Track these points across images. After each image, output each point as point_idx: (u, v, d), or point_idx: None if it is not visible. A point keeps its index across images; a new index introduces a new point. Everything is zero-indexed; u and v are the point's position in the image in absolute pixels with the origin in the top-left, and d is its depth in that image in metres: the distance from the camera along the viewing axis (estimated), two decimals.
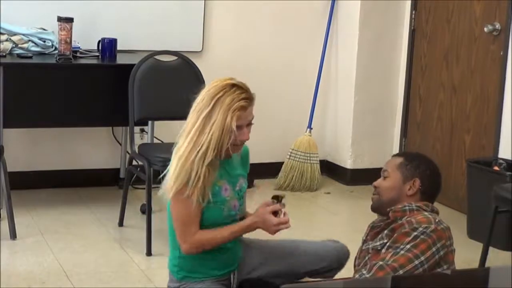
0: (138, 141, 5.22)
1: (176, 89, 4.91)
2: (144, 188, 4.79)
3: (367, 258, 3.09)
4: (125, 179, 4.96)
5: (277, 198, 3.23)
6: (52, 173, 5.51)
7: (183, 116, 4.89)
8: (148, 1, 5.54)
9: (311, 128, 5.98)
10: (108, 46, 5.23)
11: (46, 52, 5.17)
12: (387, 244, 3.00)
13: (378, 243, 3.04)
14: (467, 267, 4.16)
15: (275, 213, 3.19)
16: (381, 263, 2.94)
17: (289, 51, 6.02)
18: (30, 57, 5.07)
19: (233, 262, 3.31)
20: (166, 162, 4.42)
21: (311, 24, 6.05)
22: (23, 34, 5.13)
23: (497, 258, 4.65)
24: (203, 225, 3.18)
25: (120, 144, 5.57)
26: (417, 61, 5.94)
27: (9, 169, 4.68)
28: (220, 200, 3.19)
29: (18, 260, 4.36)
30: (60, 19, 5.06)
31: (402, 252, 2.93)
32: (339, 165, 6.13)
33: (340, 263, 3.40)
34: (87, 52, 5.27)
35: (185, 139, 3.14)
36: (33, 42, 5.14)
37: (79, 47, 5.25)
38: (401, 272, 2.90)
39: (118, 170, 5.62)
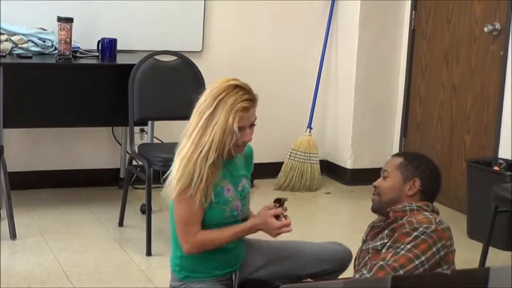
0: (138, 141, 5.23)
1: (176, 89, 4.92)
2: (144, 188, 4.79)
3: (367, 258, 3.08)
4: (125, 179, 4.97)
5: (279, 202, 3.22)
6: (52, 173, 5.51)
7: (183, 116, 4.90)
8: (148, 1, 5.54)
9: (311, 128, 5.99)
10: (108, 46, 5.23)
11: (46, 52, 5.17)
12: (388, 244, 3.00)
13: (378, 243, 3.04)
14: (467, 267, 4.16)
15: (277, 216, 3.19)
16: (381, 263, 2.93)
17: (289, 51, 6.02)
18: (30, 57, 5.07)
19: (235, 262, 3.31)
20: (166, 162, 4.45)
21: (311, 24, 6.05)
22: (23, 34, 5.13)
23: (497, 258, 4.65)
24: (205, 225, 3.18)
25: (120, 144, 5.57)
26: (417, 61, 5.94)
27: (9, 169, 4.68)
28: (223, 200, 3.19)
29: (18, 260, 4.36)
30: (60, 19, 5.06)
31: (402, 252, 2.93)
32: (339, 165, 6.13)
33: (342, 266, 3.40)
34: (87, 52, 5.27)
35: (188, 139, 3.13)
36: (33, 42, 5.14)
37: (79, 47, 5.25)
38: (401, 272, 2.90)
39: (118, 170, 5.62)
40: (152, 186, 4.63)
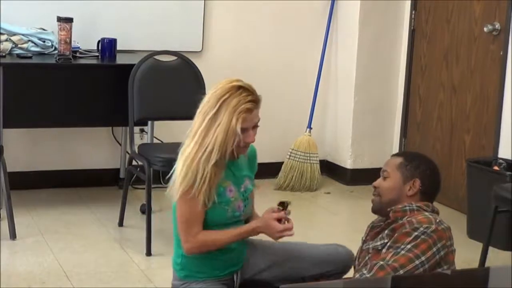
0: (138, 141, 5.23)
1: (176, 89, 4.92)
2: (144, 188, 4.79)
3: (367, 258, 3.08)
4: (125, 179, 4.97)
5: (283, 205, 3.22)
6: (52, 173, 5.51)
7: (182, 116, 4.92)
8: (148, 1, 5.54)
9: (311, 128, 5.99)
10: (108, 46, 5.23)
11: (46, 52, 5.17)
12: (388, 244, 3.00)
13: (378, 243, 3.04)
14: (467, 267, 4.16)
15: (279, 219, 3.19)
16: (381, 263, 2.93)
17: (289, 51, 6.02)
18: (30, 57, 5.07)
19: (237, 263, 3.31)
20: (165, 162, 4.46)
21: (311, 24, 6.05)
22: (23, 34, 5.13)
23: (497, 258, 4.65)
24: (206, 226, 3.18)
25: (120, 144, 5.57)
26: (417, 61, 5.94)
27: (9, 169, 4.68)
28: (225, 200, 3.19)
29: (18, 260, 4.36)
30: (59, 19, 5.06)
31: (402, 252, 2.93)
32: (339, 165, 6.13)
33: (345, 268, 3.39)
34: (86, 52, 5.27)
35: (191, 140, 3.14)
36: (32, 42, 5.14)
37: (78, 47, 5.25)
38: (401, 272, 2.90)
39: (118, 170, 5.62)
40: (152, 186, 4.63)
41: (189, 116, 4.87)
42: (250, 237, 3.33)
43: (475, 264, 4.41)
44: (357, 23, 5.90)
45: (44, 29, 5.22)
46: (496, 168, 4.98)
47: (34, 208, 5.12)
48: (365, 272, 2.96)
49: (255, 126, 3.19)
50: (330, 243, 3.49)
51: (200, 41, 5.73)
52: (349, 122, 6.02)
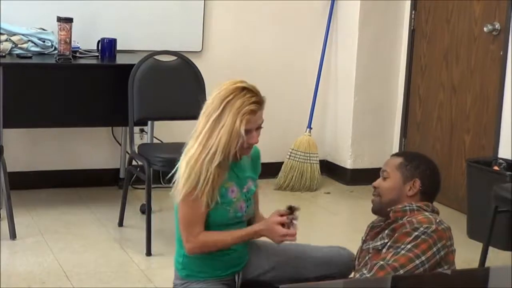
0: (137, 141, 5.23)
1: (176, 89, 4.92)
2: (144, 188, 4.79)
3: (367, 258, 3.08)
4: (125, 179, 4.96)
5: (291, 209, 3.21)
6: (52, 173, 5.51)
7: (182, 116, 4.93)
8: (148, 1, 5.54)
9: (311, 128, 5.99)
10: (108, 46, 5.23)
11: (46, 52, 5.17)
12: (388, 244, 3.00)
13: (379, 243, 3.04)
14: (467, 267, 4.16)
15: (283, 223, 3.18)
16: (381, 262, 2.93)
17: (289, 51, 6.02)
18: (30, 57, 5.07)
19: (238, 263, 3.30)
20: (165, 162, 4.46)
21: (311, 24, 6.05)
22: (23, 34, 5.13)
23: (497, 258, 4.65)
24: (208, 226, 3.18)
25: (120, 144, 5.57)
26: (416, 61, 5.94)
27: (9, 169, 4.68)
28: (227, 201, 3.19)
29: (18, 260, 4.36)
30: (59, 19, 5.06)
31: (403, 252, 2.93)
32: (339, 165, 6.13)
33: (348, 270, 3.38)
34: (86, 52, 5.27)
35: (195, 141, 3.13)
36: (32, 42, 5.14)
37: (78, 47, 5.25)
38: (401, 271, 2.90)
39: (118, 170, 5.62)
40: (152, 186, 4.63)
41: (189, 116, 4.87)
42: None
43: (475, 264, 4.41)
44: (357, 23, 5.90)
45: (44, 29, 5.22)
46: (496, 168, 4.98)
47: (34, 208, 5.12)
48: (365, 272, 2.96)
49: (259, 127, 3.19)
50: (333, 246, 3.48)
51: (200, 41, 5.73)
52: (349, 122, 6.02)
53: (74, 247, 4.57)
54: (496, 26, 5.26)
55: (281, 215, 3.18)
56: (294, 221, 3.18)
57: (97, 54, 5.26)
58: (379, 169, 3.19)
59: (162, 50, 5.04)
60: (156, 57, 4.93)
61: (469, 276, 2.89)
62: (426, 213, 3.04)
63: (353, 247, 3.35)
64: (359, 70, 5.96)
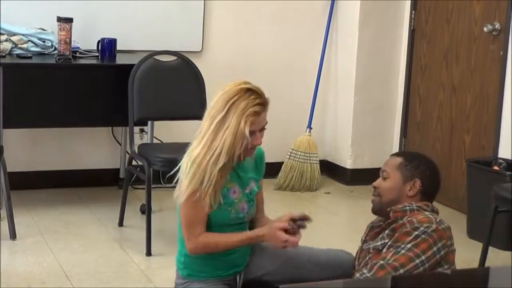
0: (137, 141, 5.23)
1: (176, 89, 4.92)
2: (144, 188, 4.78)
3: (368, 258, 3.08)
4: (125, 179, 4.96)
5: (305, 218, 3.19)
6: (52, 173, 5.51)
7: (182, 116, 4.93)
8: (148, 1, 5.54)
9: (311, 128, 5.98)
10: (108, 46, 5.23)
11: (46, 52, 5.17)
12: (388, 243, 3.00)
13: (379, 243, 3.04)
14: (467, 267, 4.16)
15: (286, 229, 3.17)
16: (382, 262, 2.94)
17: (289, 51, 6.02)
18: (30, 57, 5.07)
19: (240, 264, 3.30)
20: (165, 162, 4.46)
21: (311, 24, 6.05)
22: (23, 34, 5.13)
23: (497, 258, 4.65)
24: (210, 226, 3.17)
25: (120, 144, 5.57)
26: (416, 61, 5.94)
27: (9, 169, 4.68)
28: (228, 202, 3.18)
29: (18, 260, 4.36)
30: (59, 19, 5.06)
31: (403, 251, 2.93)
32: (339, 165, 6.13)
33: (350, 274, 3.38)
34: (86, 52, 5.27)
35: (199, 142, 3.13)
36: (32, 42, 5.14)
37: (78, 47, 5.25)
38: (401, 271, 2.90)
39: (118, 170, 5.62)
40: (152, 186, 4.63)
41: (189, 116, 4.90)
42: None
43: (475, 264, 4.41)
44: (357, 23, 5.90)
45: (44, 29, 5.22)
46: (496, 168, 4.98)
47: (34, 208, 5.12)
48: (365, 271, 2.96)
49: (262, 129, 3.19)
50: (336, 249, 3.47)
51: (200, 41, 5.73)
52: (349, 122, 6.02)
53: (74, 247, 4.56)
54: (496, 26, 5.26)
55: (293, 220, 3.17)
56: (301, 229, 3.17)
57: (97, 54, 5.26)
58: (379, 169, 3.19)
59: (162, 50, 5.04)
60: (156, 57, 4.93)
61: (469, 276, 2.90)
62: (426, 213, 3.05)
63: (353, 247, 3.35)
64: (359, 70, 5.96)
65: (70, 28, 5.06)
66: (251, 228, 3.34)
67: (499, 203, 4.32)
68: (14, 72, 4.94)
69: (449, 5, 5.64)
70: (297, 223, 3.15)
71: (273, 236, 3.15)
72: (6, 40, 5.09)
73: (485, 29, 5.30)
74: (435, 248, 2.94)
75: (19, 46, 5.11)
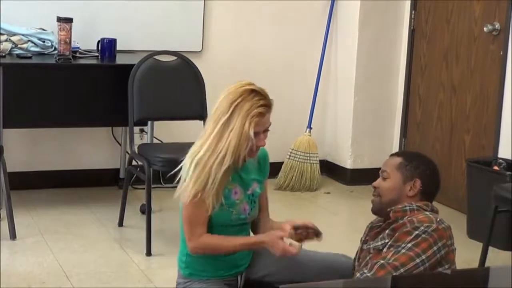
0: (137, 141, 5.23)
1: (175, 89, 4.92)
2: (143, 188, 4.79)
3: (368, 258, 3.08)
4: (124, 179, 4.96)
5: (316, 234, 3.20)
6: (52, 173, 5.51)
7: (182, 116, 4.94)
8: (148, 1, 5.54)
9: (311, 128, 5.98)
10: (108, 46, 5.23)
11: (46, 52, 5.17)
12: (389, 243, 3.00)
13: (379, 243, 3.04)
14: (467, 267, 4.16)
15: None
16: (382, 262, 2.94)
17: (289, 51, 6.02)
18: (30, 58, 5.07)
19: (242, 264, 3.30)
20: (165, 162, 4.46)
21: (311, 24, 6.05)
22: (23, 35, 5.13)
23: (497, 258, 4.65)
24: (211, 226, 3.17)
25: (120, 144, 5.57)
26: (416, 61, 5.94)
27: (9, 169, 4.68)
28: (229, 203, 3.18)
29: (18, 260, 4.36)
30: (59, 19, 5.06)
31: (403, 251, 2.93)
32: (339, 165, 6.13)
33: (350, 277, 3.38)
34: (86, 52, 5.27)
35: (204, 144, 3.12)
36: (32, 42, 5.14)
37: (78, 47, 5.25)
38: (402, 270, 2.90)
39: (118, 170, 5.62)
40: (152, 186, 4.63)
41: (189, 116, 4.89)
42: None
43: (475, 264, 4.41)
44: (357, 23, 5.90)
45: (44, 29, 5.22)
46: (496, 168, 4.98)
47: (34, 208, 5.12)
48: (365, 271, 2.96)
49: (266, 130, 3.19)
50: (335, 253, 3.48)
51: (200, 41, 5.73)
52: (349, 122, 6.02)
53: (74, 247, 4.57)
54: (496, 26, 5.26)
55: (296, 228, 3.17)
56: (303, 243, 3.18)
57: (97, 54, 5.26)
58: (379, 169, 3.18)
59: (162, 50, 5.04)
60: (156, 57, 4.94)
61: (469, 276, 2.89)
62: (427, 213, 3.04)
63: (353, 247, 3.35)
64: (359, 70, 5.96)
65: (70, 28, 5.06)
66: (253, 227, 3.34)
67: (499, 203, 4.32)
68: (14, 72, 4.94)
69: (449, 5, 5.64)
70: (314, 230, 3.16)
71: (273, 244, 3.15)
72: (6, 40, 5.09)
73: (485, 29, 5.30)
74: (435, 248, 2.94)
75: (19, 46, 5.11)
